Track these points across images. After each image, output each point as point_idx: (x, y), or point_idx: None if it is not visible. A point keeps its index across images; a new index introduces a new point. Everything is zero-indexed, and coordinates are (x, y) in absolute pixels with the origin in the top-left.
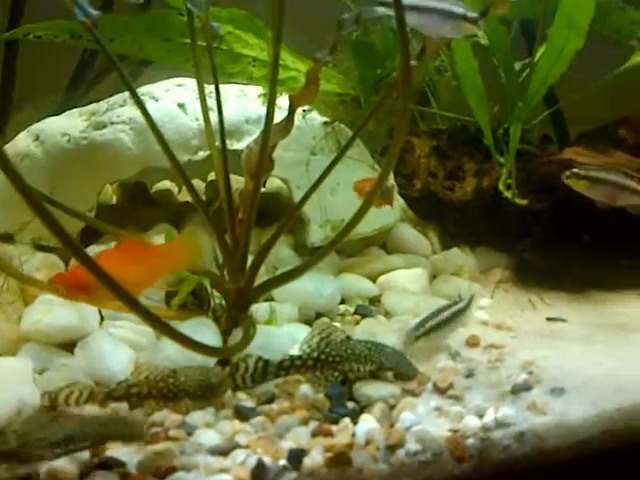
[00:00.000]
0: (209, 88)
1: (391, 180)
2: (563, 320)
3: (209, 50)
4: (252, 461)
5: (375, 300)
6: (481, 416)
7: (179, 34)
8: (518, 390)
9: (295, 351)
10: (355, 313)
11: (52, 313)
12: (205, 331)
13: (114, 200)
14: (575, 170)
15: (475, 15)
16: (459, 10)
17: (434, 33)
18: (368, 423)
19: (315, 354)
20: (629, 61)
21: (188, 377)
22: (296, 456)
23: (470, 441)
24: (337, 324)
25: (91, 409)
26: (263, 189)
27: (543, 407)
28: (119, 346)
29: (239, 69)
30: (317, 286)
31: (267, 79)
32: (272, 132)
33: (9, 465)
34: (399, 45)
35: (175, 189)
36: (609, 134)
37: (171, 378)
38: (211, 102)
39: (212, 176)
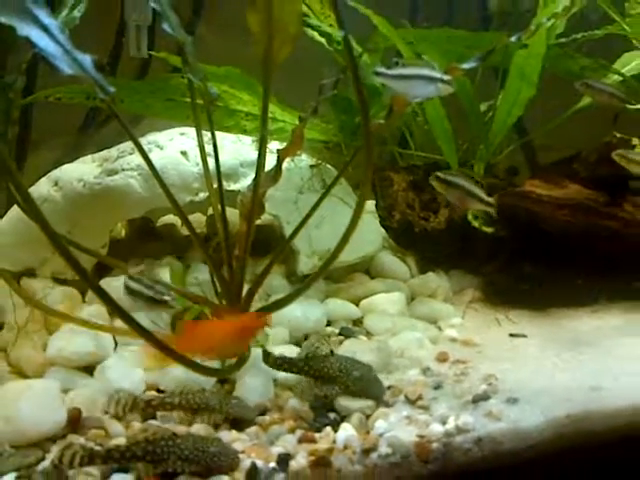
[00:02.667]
0: (208, 135)
1: None
2: (524, 336)
3: (208, 111)
4: (246, 464)
5: (358, 322)
6: (444, 423)
7: (180, 94)
8: (478, 400)
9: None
10: (339, 334)
11: (74, 341)
12: None
13: (123, 234)
14: (438, 173)
15: (449, 77)
16: (437, 74)
17: (418, 95)
18: (347, 431)
19: (301, 363)
20: (581, 102)
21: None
22: (284, 460)
23: (435, 445)
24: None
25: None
26: (258, 221)
27: (499, 415)
28: (132, 368)
29: (233, 123)
30: (305, 311)
31: (257, 131)
32: (262, 181)
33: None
34: (361, 115)
35: (178, 222)
36: (564, 168)
37: (199, 394)
38: (209, 149)
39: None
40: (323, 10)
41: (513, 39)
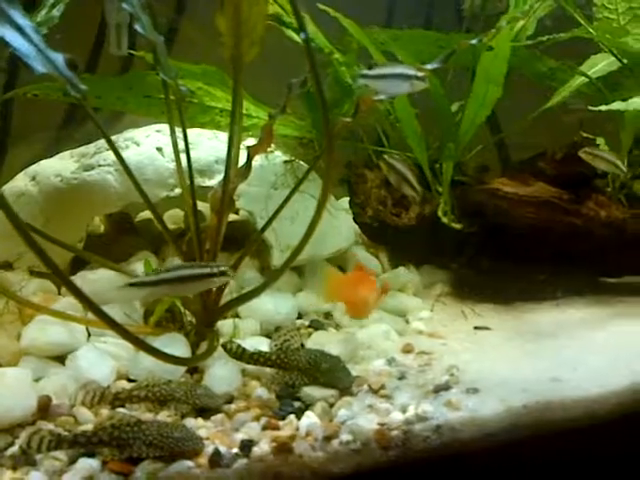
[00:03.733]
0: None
1: None
2: (488, 328)
3: (179, 108)
4: (210, 450)
5: (329, 315)
6: (405, 412)
7: (156, 91)
8: (439, 390)
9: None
10: (309, 326)
11: (47, 331)
12: (177, 344)
13: (102, 229)
14: (385, 156)
15: (423, 74)
16: (411, 72)
17: (394, 93)
18: (310, 419)
19: (274, 357)
20: (550, 101)
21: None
22: (246, 446)
23: (394, 433)
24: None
25: None
26: (236, 217)
27: (458, 404)
28: (103, 358)
29: (208, 119)
30: (276, 304)
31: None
32: (232, 177)
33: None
34: (322, 120)
35: None
36: (531, 166)
37: (165, 385)
38: (184, 146)
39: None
40: None
41: (474, 41)
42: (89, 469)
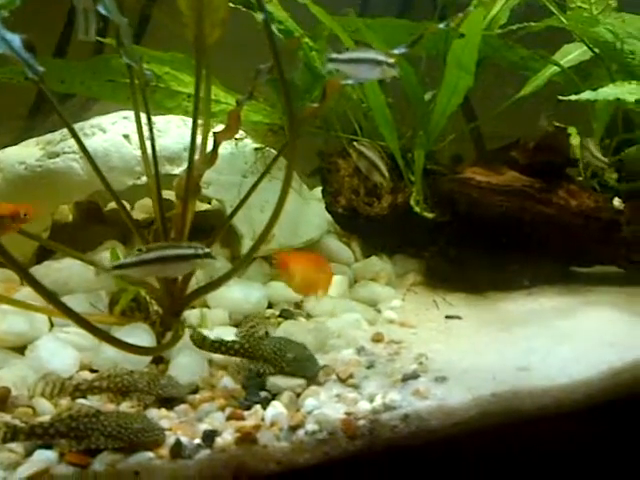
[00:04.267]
0: (152, 119)
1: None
2: (459, 317)
3: (143, 93)
4: (172, 441)
5: (300, 304)
6: (372, 401)
7: (121, 75)
8: (407, 379)
9: None
10: (279, 316)
11: (7, 321)
12: (141, 334)
13: (70, 218)
14: (355, 143)
15: (392, 61)
16: (382, 58)
17: (364, 77)
18: (276, 408)
19: (237, 345)
20: (522, 90)
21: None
22: (209, 436)
23: (361, 422)
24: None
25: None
26: (208, 206)
27: (426, 393)
28: (65, 348)
29: (175, 104)
30: (245, 293)
31: (200, 113)
32: (199, 163)
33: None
34: (284, 105)
35: (126, 206)
36: (504, 155)
37: (127, 376)
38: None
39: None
40: None
41: (442, 26)
42: (46, 461)
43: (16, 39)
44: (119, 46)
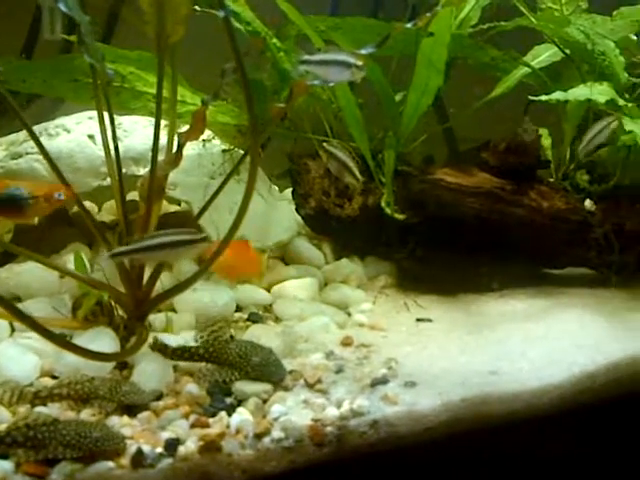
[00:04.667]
0: (118, 120)
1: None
2: (430, 320)
3: (105, 93)
4: (133, 449)
5: (269, 307)
6: (340, 407)
7: (84, 75)
8: (376, 384)
9: None
10: (248, 320)
11: None
12: (105, 339)
13: (35, 220)
14: (324, 144)
15: (361, 63)
16: (351, 60)
17: (335, 80)
18: (241, 415)
19: (202, 350)
20: (493, 91)
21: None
22: (171, 445)
23: (329, 429)
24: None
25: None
26: (177, 207)
27: (395, 398)
28: (25, 354)
29: (141, 105)
30: (212, 296)
31: (166, 113)
32: (164, 164)
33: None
34: (246, 104)
35: (94, 208)
36: (474, 157)
37: (88, 383)
38: (119, 133)
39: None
40: None
41: (409, 25)
42: (1, 471)
43: None
44: (80, 44)
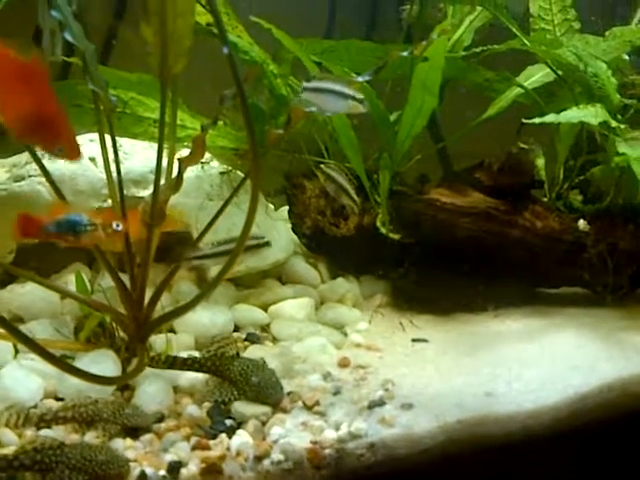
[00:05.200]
0: (119, 142)
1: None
2: (425, 340)
3: (109, 119)
4: (137, 472)
5: (266, 328)
6: (338, 429)
7: (87, 100)
8: (373, 406)
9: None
10: (245, 340)
11: None
12: (107, 361)
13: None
14: (322, 166)
15: (361, 96)
16: (349, 92)
17: (329, 110)
18: (241, 437)
19: (209, 362)
20: (487, 111)
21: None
22: (174, 467)
23: (327, 451)
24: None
25: None
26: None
27: (392, 421)
28: (29, 376)
29: (142, 130)
30: (211, 317)
31: (166, 138)
32: (165, 189)
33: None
34: (247, 133)
35: None
36: (468, 176)
37: (92, 406)
38: (119, 156)
39: None
40: (231, 22)
41: (405, 53)
42: None
43: None
44: (85, 72)
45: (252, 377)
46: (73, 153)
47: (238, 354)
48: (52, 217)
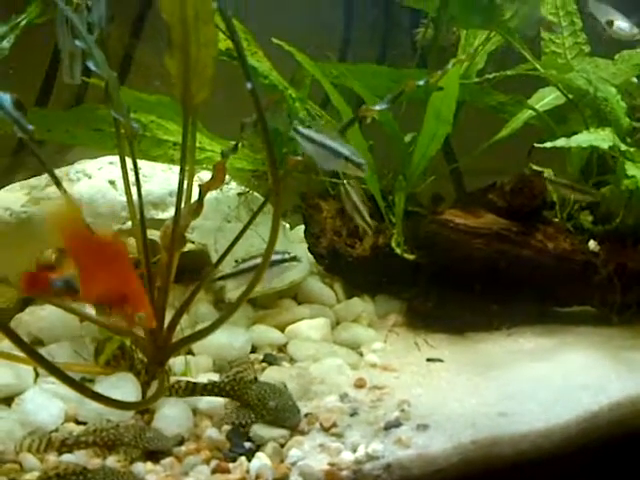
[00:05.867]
0: (138, 165)
1: None
2: (440, 360)
3: (130, 145)
4: None
5: (283, 348)
6: (355, 451)
7: (107, 124)
8: (390, 427)
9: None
10: (263, 361)
11: None
12: (127, 384)
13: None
14: (345, 182)
15: (360, 160)
16: (344, 151)
17: (326, 166)
18: (260, 460)
19: (228, 387)
20: (500, 133)
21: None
22: None
23: (344, 473)
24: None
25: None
26: (191, 246)
27: (408, 441)
28: (51, 400)
29: (161, 152)
30: (229, 338)
31: (186, 161)
32: (185, 213)
33: None
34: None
35: None
36: (481, 198)
37: (113, 430)
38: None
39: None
40: (250, 47)
41: (421, 82)
42: None
43: (7, 99)
44: (107, 99)
45: (269, 401)
46: (151, 321)
47: (256, 378)
48: (59, 273)
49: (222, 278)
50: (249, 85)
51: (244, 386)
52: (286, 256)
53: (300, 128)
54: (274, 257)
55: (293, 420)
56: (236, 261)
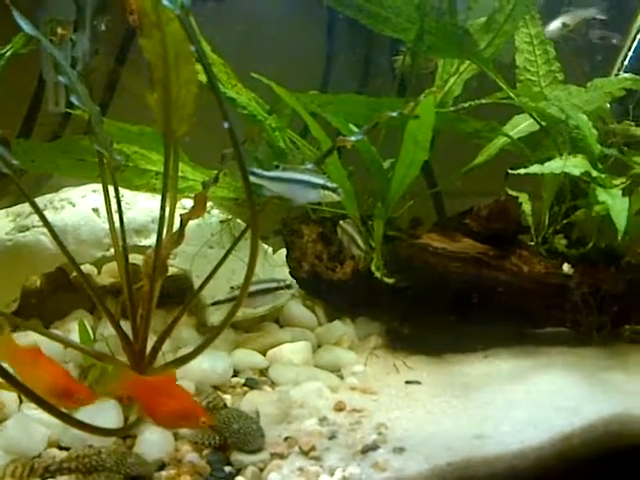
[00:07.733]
0: (120, 193)
1: None
2: (418, 382)
3: (113, 176)
4: None
5: (264, 371)
6: (332, 474)
7: (90, 155)
8: (367, 450)
9: None
10: (244, 385)
11: None
12: (110, 410)
13: (37, 284)
14: (341, 222)
15: (334, 185)
16: (319, 181)
17: (299, 200)
18: None
19: None
20: (476, 159)
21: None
22: None
23: None
24: (227, 396)
25: None
26: (173, 270)
27: (384, 465)
28: (34, 426)
29: (144, 182)
30: (212, 363)
31: (168, 189)
32: (167, 242)
33: None
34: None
35: (94, 272)
36: (458, 222)
37: (95, 456)
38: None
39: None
40: (230, 80)
41: (394, 114)
42: None
43: None
44: (90, 132)
45: (233, 424)
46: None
47: (225, 405)
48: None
49: (216, 303)
50: (226, 125)
51: (214, 412)
52: (281, 284)
53: (260, 171)
54: (269, 285)
55: (255, 443)
56: (232, 287)
